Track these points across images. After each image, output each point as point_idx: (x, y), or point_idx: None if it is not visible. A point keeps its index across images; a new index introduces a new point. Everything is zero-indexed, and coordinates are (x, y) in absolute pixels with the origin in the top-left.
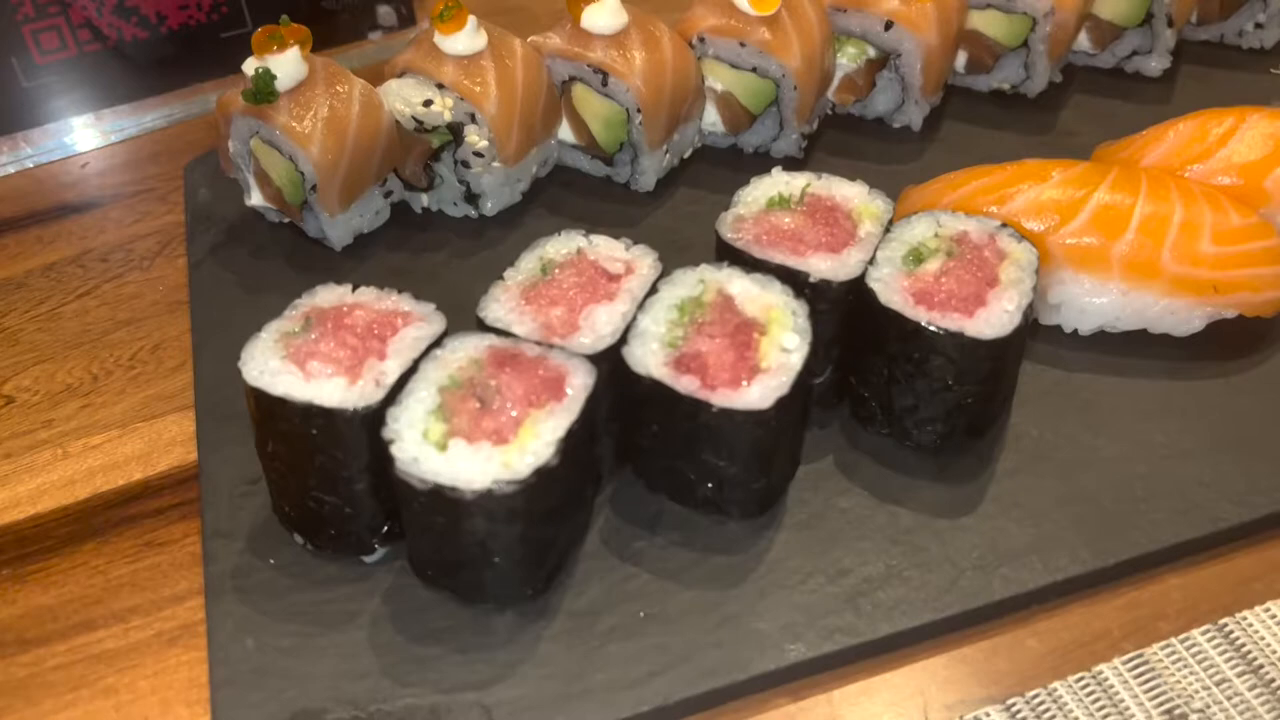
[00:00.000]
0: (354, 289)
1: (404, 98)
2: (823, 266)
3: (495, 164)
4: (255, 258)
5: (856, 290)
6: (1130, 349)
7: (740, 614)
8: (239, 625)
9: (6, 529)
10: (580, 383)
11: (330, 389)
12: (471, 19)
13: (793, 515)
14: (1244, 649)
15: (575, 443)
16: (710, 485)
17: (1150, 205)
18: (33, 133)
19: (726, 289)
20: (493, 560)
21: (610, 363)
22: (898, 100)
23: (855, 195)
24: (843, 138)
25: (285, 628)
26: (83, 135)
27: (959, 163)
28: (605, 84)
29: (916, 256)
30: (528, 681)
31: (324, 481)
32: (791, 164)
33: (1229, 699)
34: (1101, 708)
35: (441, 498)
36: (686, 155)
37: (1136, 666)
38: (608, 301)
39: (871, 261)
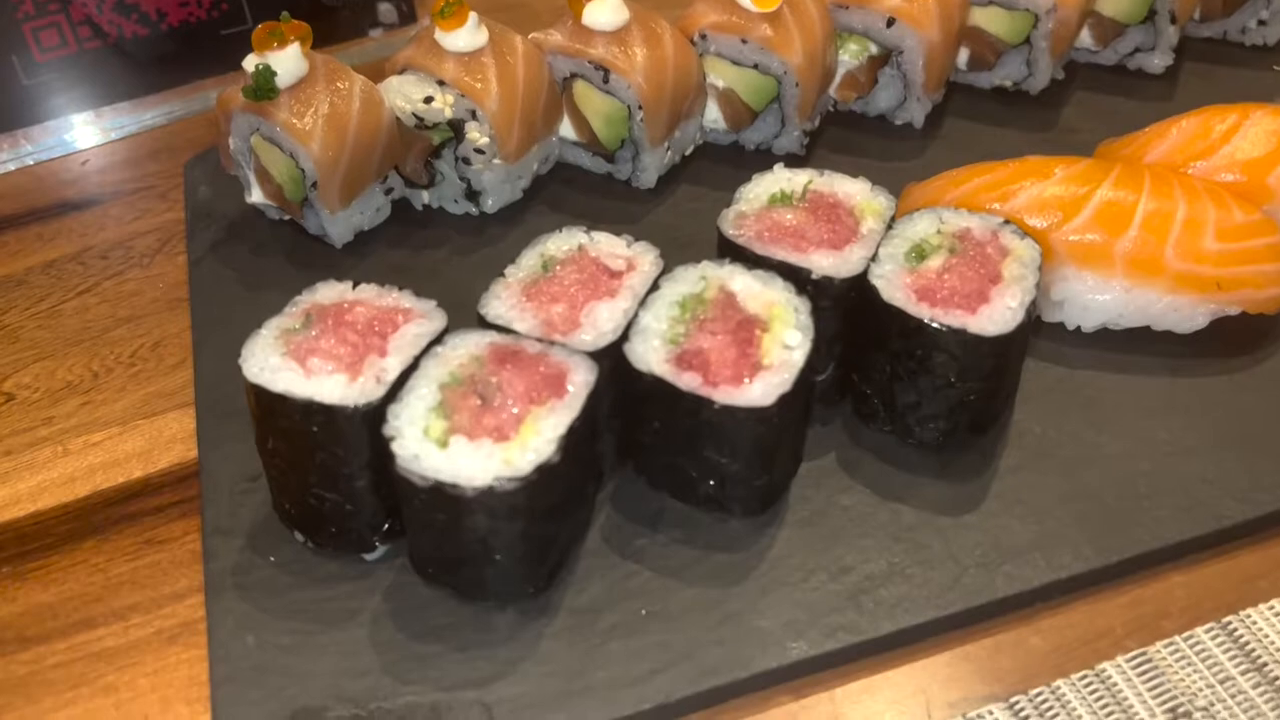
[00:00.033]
0: (354, 286)
1: (405, 94)
2: (825, 263)
3: (496, 161)
4: (256, 255)
5: (859, 287)
6: (1133, 346)
7: (742, 612)
8: (239, 623)
9: (7, 526)
10: (582, 380)
11: (331, 386)
12: (472, 15)
13: (795, 512)
14: (1248, 647)
15: (577, 440)
16: (712, 482)
17: (1153, 202)
18: (33, 130)
19: (728, 286)
20: (494, 557)
21: (612, 360)
22: (900, 97)
23: (857, 192)
24: (844, 135)
25: (286, 625)
26: (83, 132)
27: (961, 160)
28: (606, 81)
29: (919, 253)
30: (529, 679)
31: (325, 479)
32: (793, 161)
33: (1233, 697)
34: (1105, 706)
35: (442, 495)
36: (688, 152)
37: (1140, 664)
38: (609, 298)
39: (874, 258)
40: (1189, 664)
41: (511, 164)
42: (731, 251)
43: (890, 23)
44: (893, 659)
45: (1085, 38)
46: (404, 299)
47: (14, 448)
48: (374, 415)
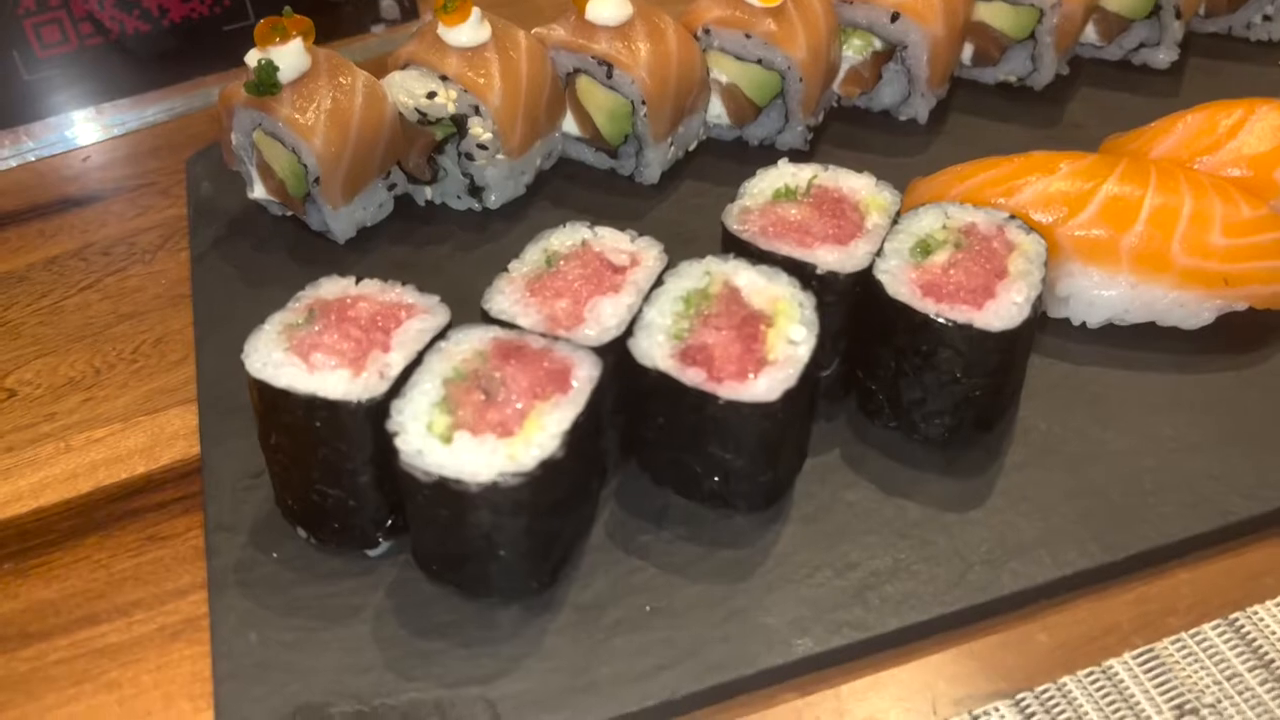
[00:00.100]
0: (357, 281)
1: (407, 90)
2: (830, 258)
3: (499, 156)
4: (258, 251)
5: (864, 282)
6: (1139, 342)
7: (747, 608)
8: (242, 619)
9: (9, 523)
10: (585, 375)
11: (334, 381)
12: (475, 11)
13: (799, 509)
14: (1255, 643)
15: (581, 435)
16: (716, 478)
17: (1160, 197)
18: (34, 126)
19: (733, 281)
20: (498, 553)
21: (616, 355)
22: (904, 93)
23: (862, 187)
24: (848, 130)
25: (289, 622)
26: (84, 129)
27: (965, 155)
28: (610, 76)
29: (924, 248)
30: (533, 675)
31: (328, 474)
32: (797, 157)
33: (1240, 693)
34: (1112, 702)
35: (446, 490)
36: (691, 148)
37: (1146, 661)
38: (613, 293)
39: (879, 253)
40: (1196, 661)
41: (514, 159)
42: (736, 246)
43: (894, 18)
44: (898, 656)
45: (1090, 33)
46: (407, 294)
47: (16, 444)
48: (377, 411)
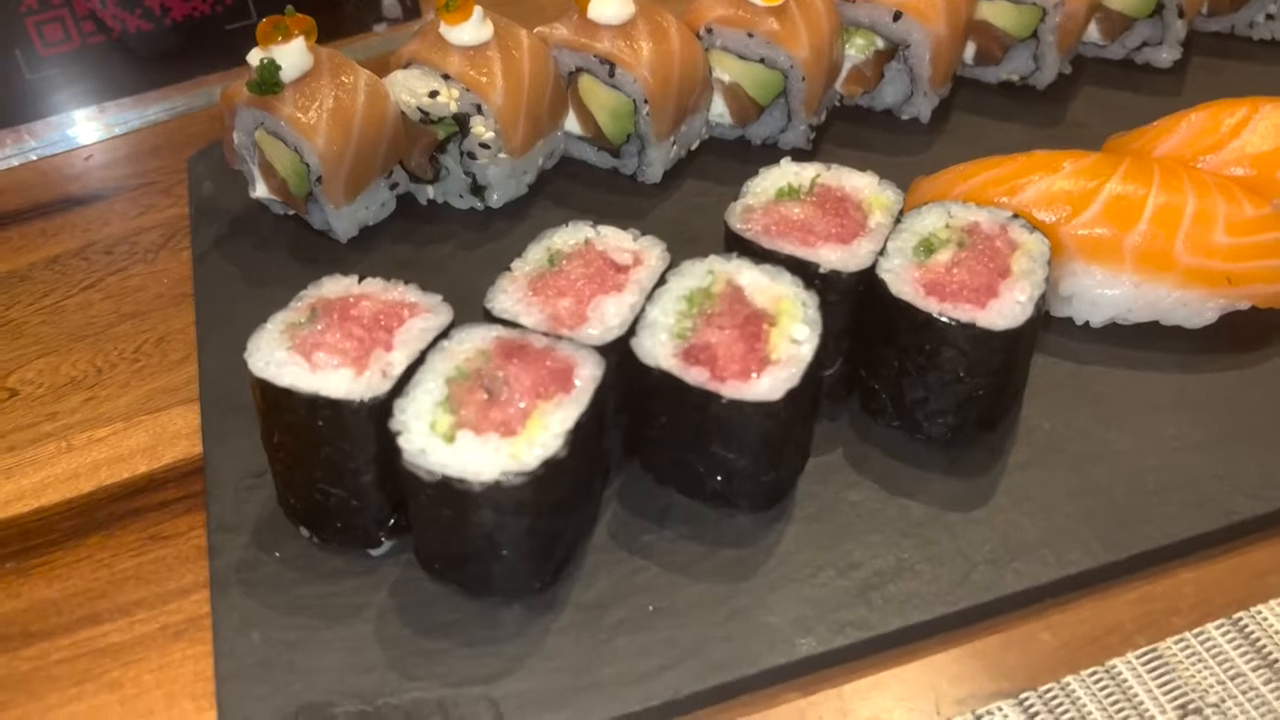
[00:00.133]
0: (360, 280)
1: (410, 89)
2: (833, 257)
3: (501, 155)
4: (260, 250)
5: (867, 281)
6: (1142, 341)
7: (750, 608)
8: (244, 619)
9: (10, 522)
10: (589, 374)
11: (337, 380)
12: (477, 9)
13: (802, 508)
14: (1258, 643)
15: (584, 434)
16: (719, 478)
17: (1163, 196)
18: (36, 125)
19: (736, 280)
20: (500, 553)
21: (618, 354)
22: (906, 92)
23: (865, 186)
24: (851, 129)
25: (291, 621)
26: (86, 128)
27: (968, 154)
28: (612, 75)
29: (927, 247)
30: (536, 675)
31: (330, 474)
32: (799, 156)
33: (1243, 693)
34: (1115, 702)
35: (449, 490)
36: (694, 147)
37: (1150, 661)
38: (616, 292)
39: (882, 252)
40: (1200, 660)
41: (517, 159)
42: (739, 245)
43: (897, 17)
44: (901, 655)
45: (1092, 32)
46: (410, 293)
47: (18, 443)
48: (380, 410)
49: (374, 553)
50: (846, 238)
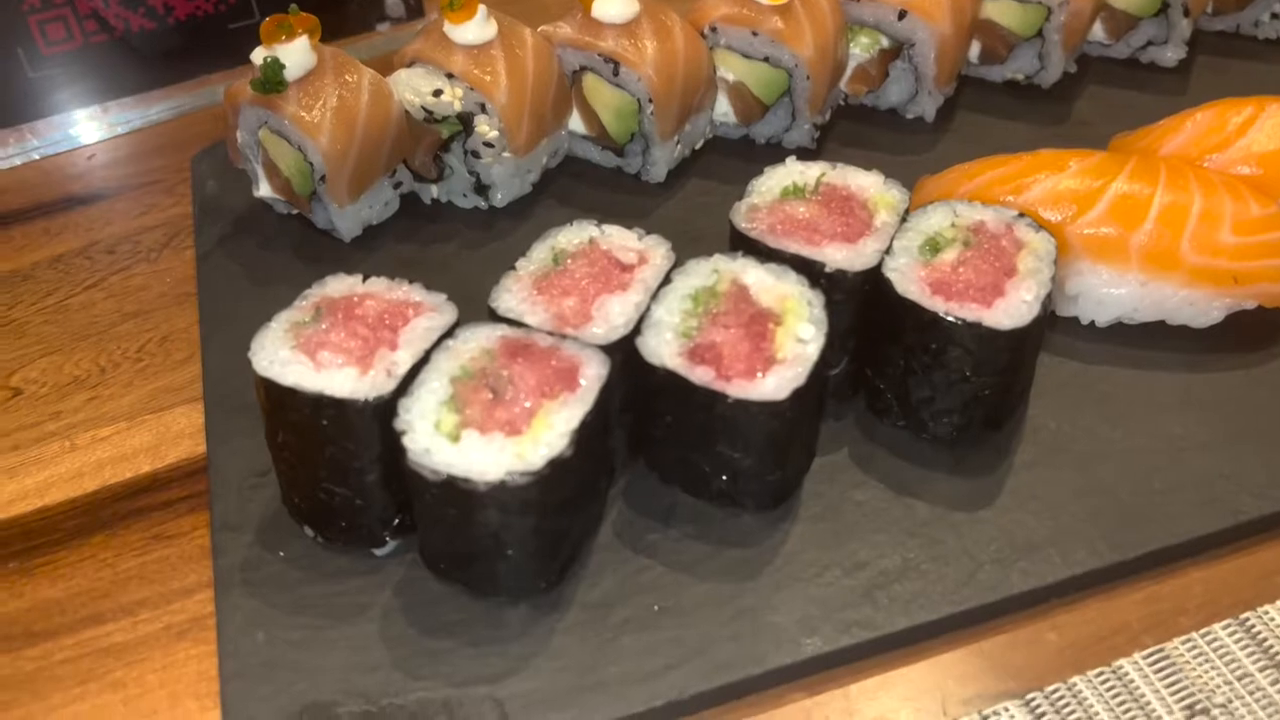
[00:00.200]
0: (364, 279)
1: (413, 87)
2: (838, 256)
3: (505, 154)
4: (263, 249)
5: (873, 280)
6: (1148, 340)
7: (756, 607)
8: (249, 618)
9: (14, 521)
10: (594, 373)
11: (341, 379)
12: (481, 8)
13: (808, 508)
14: (1266, 643)
15: (589, 434)
16: (725, 477)
17: (1169, 195)
18: (38, 124)
19: (741, 279)
20: (506, 552)
21: (624, 353)
22: (911, 91)
23: (871, 185)
24: (855, 128)
25: (295, 621)
26: (89, 127)
27: (973, 153)
28: (616, 74)
29: (933, 246)
30: (541, 674)
31: (335, 473)
32: (804, 155)
33: (1251, 693)
34: (1122, 703)
35: (454, 489)
36: (698, 146)
37: (1157, 661)
38: (621, 291)
39: (888, 251)
40: (1206, 661)
41: (521, 158)
42: (744, 244)
43: (902, 16)
44: (907, 655)
45: (1097, 31)
46: (414, 292)
47: (21, 443)
48: (385, 409)
49: (378, 552)
50: (852, 237)
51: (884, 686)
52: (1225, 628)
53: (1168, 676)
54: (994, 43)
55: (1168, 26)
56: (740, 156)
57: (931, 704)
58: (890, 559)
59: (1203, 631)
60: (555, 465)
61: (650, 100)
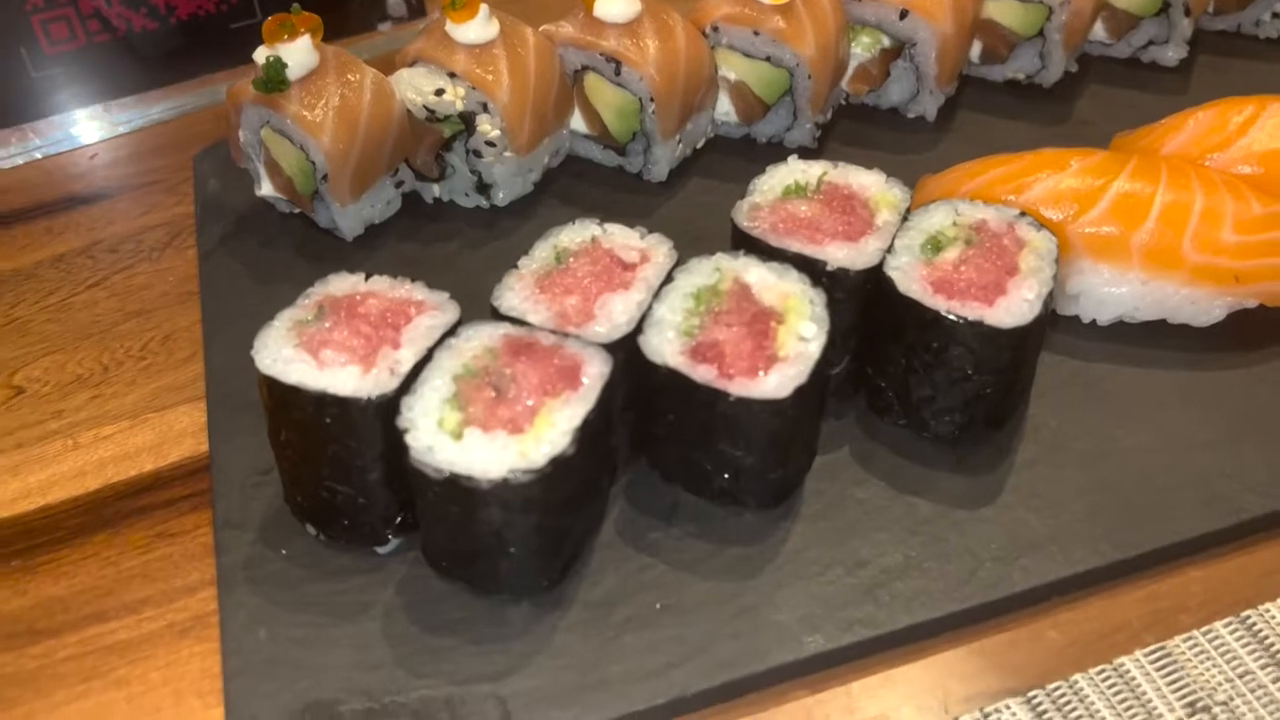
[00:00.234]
0: (367, 278)
1: (415, 87)
2: (840, 255)
3: (507, 154)
4: (265, 248)
5: (874, 279)
6: (1149, 339)
7: (758, 605)
8: (252, 616)
9: (17, 520)
10: (596, 371)
11: (344, 377)
12: (483, 7)
13: (809, 506)
14: (1267, 641)
15: (591, 432)
16: (726, 475)
17: (1171, 194)
18: (41, 124)
19: (743, 277)
20: (508, 550)
21: (626, 352)
22: (912, 90)
23: (872, 184)
24: (856, 128)
25: (298, 618)
26: (91, 126)
27: (974, 153)
28: (618, 73)
29: (935, 245)
30: (543, 672)
31: (337, 471)
32: (805, 154)
33: (1252, 691)
34: (1124, 700)
35: (457, 487)
36: (699, 145)
37: (1158, 659)
38: (623, 290)
39: (889, 250)
40: (1207, 658)
41: (522, 157)
42: (746, 243)
43: (903, 15)
44: (909, 653)
45: (1098, 30)
46: (416, 291)
47: (24, 441)
48: (387, 407)
49: (381, 550)
50: (854, 235)
51: (886, 684)
52: (1226, 625)
53: (1169, 674)
54: (995, 42)
55: (1169, 26)
56: (741, 156)
57: (933, 702)
58: (892, 557)
59: (1204, 629)
60: (558, 463)
61: (652, 99)
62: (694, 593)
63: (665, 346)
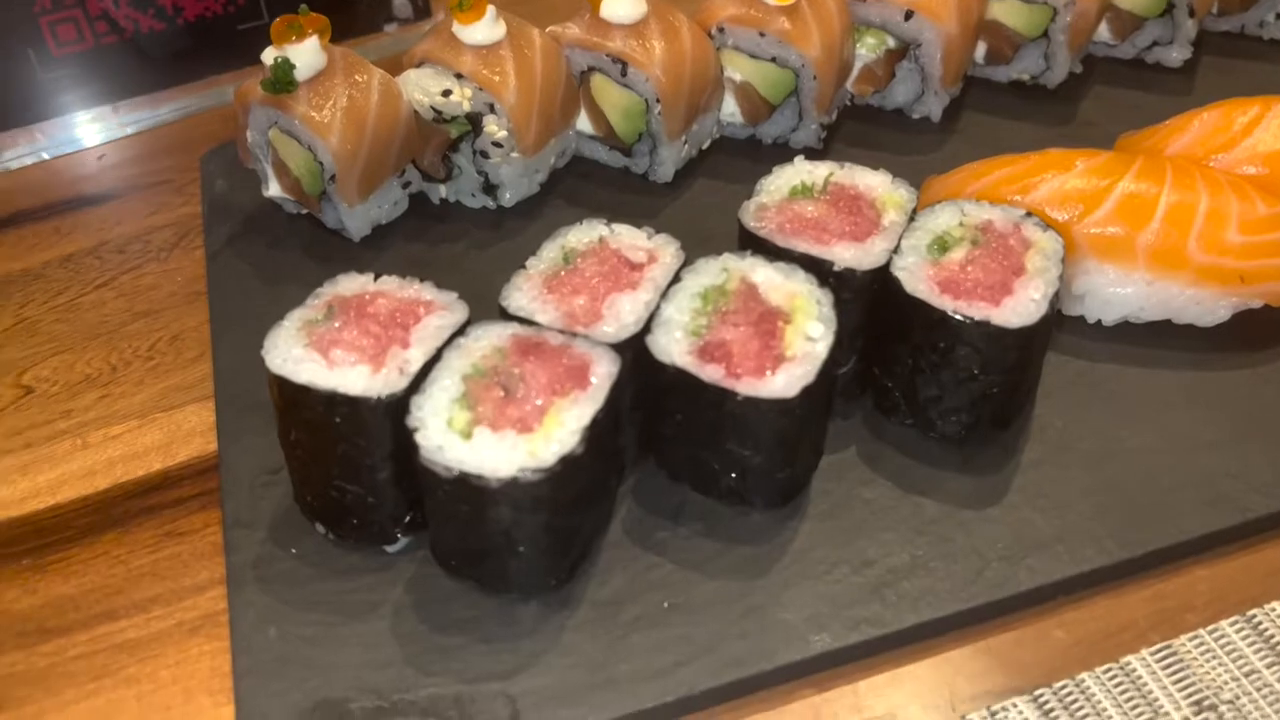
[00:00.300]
0: (376, 278)
1: (422, 88)
2: (847, 255)
3: (514, 154)
4: (273, 249)
5: (881, 279)
6: (1155, 339)
7: (765, 604)
8: (261, 615)
9: (27, 519)
10: (604, 371)
11: (354, 377)
12: (490, 8)
13: (816, 506)
14: (1273, 640)
15: (600, 431)
16: (734, 475)
17: (1176, 194)
18: (48, 125)
19: (750, 277)
20: (517, 549)
21: (634, 351)
22: (917, 91)
23: (879, 184)
24: (862, 129)
25: (308, 617)
26: (99, 127)
27: (979, 154)
28: (624, 74)
29: (941, 245)
30: (552, 671)
31: (347, 470)
32: (810, 155)
33: (1258, 690)
34: (1130, 699)
35: (466, 486)
36: (705, 146)
37: (1164, 658)
38: (631, 290)
39: (896, 250)
40: (1213, 657)
41: (529, 157)
42: (753, 243)
43: (908, 16)
44: (916, 652)
45: (1103, 31)
46: (425, 291)
47: (33, 440)
48: (397, 406)
49: (390, 549)
50: (861, 236)
51: (892, 683)
52: (1233, 625)
53: (1175, 673)
54: (1000, 43)
55: (1173, 27)
56: (747, 156)
57: (940, 700)
58: (898, 556)
59: (1210, 628)
60: (567, 462)
61: (658, 100)
62: (701, 592)
63: (673, 346)
